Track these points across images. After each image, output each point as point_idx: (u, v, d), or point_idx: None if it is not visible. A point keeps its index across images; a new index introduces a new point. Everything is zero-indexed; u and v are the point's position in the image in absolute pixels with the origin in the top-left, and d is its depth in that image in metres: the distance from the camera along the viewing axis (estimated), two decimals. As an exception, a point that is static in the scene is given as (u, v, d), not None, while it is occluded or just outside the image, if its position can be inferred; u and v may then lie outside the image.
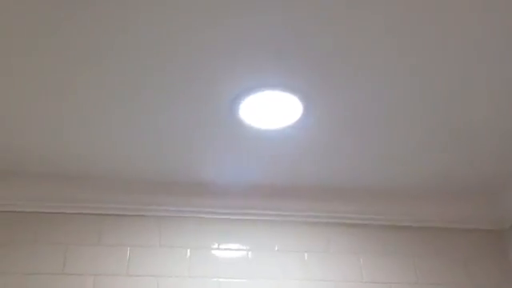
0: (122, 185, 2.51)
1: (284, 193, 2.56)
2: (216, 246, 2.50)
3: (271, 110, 1.99)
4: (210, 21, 1.57)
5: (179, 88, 1.87)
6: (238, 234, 2.53)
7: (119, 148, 2.24)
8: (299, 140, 2.17)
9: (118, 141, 2.18)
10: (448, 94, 1.90)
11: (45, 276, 2.33)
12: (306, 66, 1.75)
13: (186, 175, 2.46)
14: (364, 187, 2.55)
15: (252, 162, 2.33)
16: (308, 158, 2.31)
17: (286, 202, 2.57)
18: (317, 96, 1.91)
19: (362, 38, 1.63)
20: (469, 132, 2.12)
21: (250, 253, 2.49)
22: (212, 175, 2.46)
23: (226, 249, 2.49)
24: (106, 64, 1.74)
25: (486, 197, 2.65)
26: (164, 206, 2.53)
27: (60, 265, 2.37)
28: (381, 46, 1.67)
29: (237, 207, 2.55)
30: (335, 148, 2.22)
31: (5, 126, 2.05)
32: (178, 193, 2.54)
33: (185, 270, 2.42)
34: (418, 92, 1.89)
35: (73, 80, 1.81)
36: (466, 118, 2.04)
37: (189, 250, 2.47)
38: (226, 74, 1.80)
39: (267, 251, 2.50)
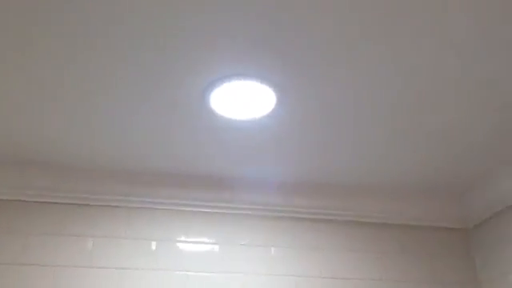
0: (87, 174, 2.44)
1: (252, 186, 2.53)
2: (183, 238, 2.45)
3: (244, 100, 1.95)
4: (186, 9, 1.53)
5: (152, 74, 1.82)
6: (205, 227, 2.49)
7: (86, 136, 2.17)
8: (270, 132, 2.15)
9: (84, 128, 2.11)
10: (421, 95, 1.91)
11: (2, 266, 2.24)
12: (281, 57, 1.73)
13: (156, 165, 2.41)
14: (332, 182, 2.55)
15: (222, 152, 2.30)
16: (278, 151, 2.29)
17: (254, 196, 2.54)
18: (291, 88, 1.89)
19: (338, 33, 1.62)
20: (438, 133, 2.14)
21: (217, 246, 2.45)
22: (181, 165, 2.41)
23: (193, 242, 2.45)
24: (74, 51, 1.68)
25: (452, 196, 2.69)
26: (131, 197, 2.47)
27: (18, 254, 2.28)
28: (356, 42, 1.66)
29: (205, 200, 2.51)
30: (306, 142, 2.21)
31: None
32: (147, 183, 2.48)
33: (150, 263, 2.37)
34: (391, 91, 1.90)
35: (38, 64, 1.74)
36: (436, 120, 2.06)
37: (155, 243, 2.42)
38: (200, 63, 1.76)
39: (235, 245, 2.47)
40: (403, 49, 1.70)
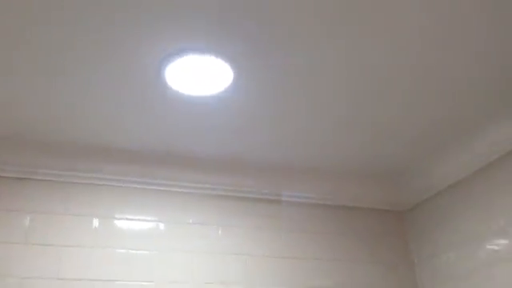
0: (28, 147, 2.31)
1: (202, 164, 2.50)
2: (127, 215, 2.39)
3: (200, 75, 1.92)
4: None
5: (107, 46, 1.74)
6: (151, 205, 2.44)
7: (32, 108, 2.05)
8: (225, 109, 2.12)
9: (30, 100, 2.00)
10: (365, 86, 1.97)
11: None
12: (239, 33, 1.71)
13: (104, 139, 2.31)
14: (281, 163, 2.57)
15: (174, 128, 2.25)
16: (231, 129, 2.27)
17: (203, 174, 2.52)
18: (248, 64, 1.88)
19: (298, 13, 1.62)
20: (378, 120, 2.21)
21: (162, 224, 2.41)
22: (131, 140, 2.33)
23: (137, 219, 2.39)
24: (24, 23, 1.58)
25: (389, 180, 2.79)
26: (72, 172, 2.36)
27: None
28: (313, 26, 1.67)
29: (152, 177, 2.45)
30: (260, 120, 2.21)
31: None
32: (91, 157, 2.38)
33: (91, 240, 2.29)
34: (339, 79, 1.94)
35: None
36: (376, 108, 2.12)
37: (96, 219, 2.34)
38: (156, 36, 1.71)
39: (181, 224, 2.44)
40: (356, 42, 1.74)
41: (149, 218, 2.40)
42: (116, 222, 2.36)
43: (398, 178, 2.78)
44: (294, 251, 2.54)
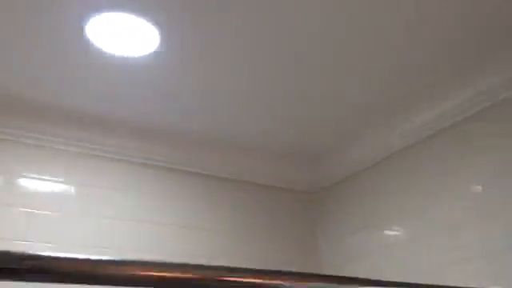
0: None
1: (116, 127, 2.44)
2: (32, 174, 2.29)
3: (124, 35, 1.89)
4: None
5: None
6: (59, 165, 2.36)
7: None
8: (149, 72, 2.09)
9: None
10: (289, 60, 2.02)
11: None
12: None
13: (17, 93, 2.19)
14: (195, 133, 2.55)
15: (92, 88, 2.18)
16: (149, 94, 2.24)
17: (116, 138, 2.46)
18: (174, 28, 1.86)
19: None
20: (297, 100, 2.27)
21: (69, 186, 2.34)
22: (45, 97, 2.22)
23: (43, 179, 2.31)
24: None
25: (302, 161, 2.87)
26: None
27: None
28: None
29: (63, 136, 2.37)
30: (183, 87, 2.19)
31: None
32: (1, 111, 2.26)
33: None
34: (263, 53, 1.96)
35: None
36: (296, 86, 2.18)
37: (1, 177, 2.23)
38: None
39: (92, 187, 2.38)
40: (282, 13, 1.77)
41: (56, 179, 2.33)
42: (21, 180, 2.26)
43: (310, 160, 2.86)
44: (196, 221, 2.55)
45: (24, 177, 2.27)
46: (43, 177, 2.30)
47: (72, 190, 2.34)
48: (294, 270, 0.86)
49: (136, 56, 1.99)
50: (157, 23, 1.83)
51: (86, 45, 1.92)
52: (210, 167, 2.66)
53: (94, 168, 2.42)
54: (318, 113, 2.38)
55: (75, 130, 2.38)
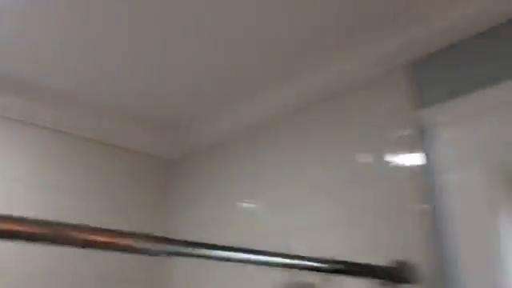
0: None
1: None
2: None
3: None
4: None
5: None
6: None
7: None
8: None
9: None
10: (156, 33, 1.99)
11: None
12: None
13: None
14: (61, 91, 2.42)
15: None
16: (36, 49, 2.06)
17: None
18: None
19: None
20: (164, 66, 2.25)
21: None
22: None
23: None
24: None
25: (164, 127, 2.87)
26: None
27: None
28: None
29: None
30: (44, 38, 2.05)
31: None
32: None
33: None
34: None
35: None
36: (162, 53, 2.16)
37: None
38: None
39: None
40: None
41: None
42: None
43: (170, 126, 2.86)
44: (45, 179, 2.45)
45: None
46: None
47: None
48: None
49: None
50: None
51: None
52: (63, 123, 2.55)
53: None
54: (178, 81, 2.37)
55: None
